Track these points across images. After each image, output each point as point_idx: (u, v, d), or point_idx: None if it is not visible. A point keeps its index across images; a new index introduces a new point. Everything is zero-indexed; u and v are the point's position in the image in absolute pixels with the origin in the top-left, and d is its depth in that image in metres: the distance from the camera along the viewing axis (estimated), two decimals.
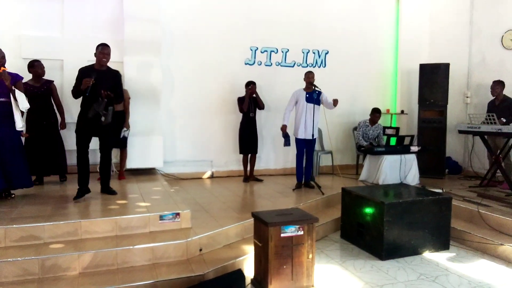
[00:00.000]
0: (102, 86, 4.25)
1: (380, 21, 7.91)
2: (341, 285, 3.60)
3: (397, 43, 8.04)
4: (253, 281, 3.46)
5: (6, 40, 5.56)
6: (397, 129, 7.50)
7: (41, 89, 5.13)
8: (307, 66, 7.30)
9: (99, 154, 4.62)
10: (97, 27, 5.99)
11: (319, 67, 7.43)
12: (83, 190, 4.43)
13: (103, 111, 4.25)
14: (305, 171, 6.02)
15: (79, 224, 3.68)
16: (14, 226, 3.53)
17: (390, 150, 6.39)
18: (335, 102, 5.67)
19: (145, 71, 6.01)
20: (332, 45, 7.50)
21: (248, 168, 6.52)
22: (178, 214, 3.97)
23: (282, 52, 7.20)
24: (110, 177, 4.73)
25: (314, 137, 5.85)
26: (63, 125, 5.34)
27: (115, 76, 4.50)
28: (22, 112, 4.41)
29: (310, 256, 3.32)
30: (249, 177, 6.52)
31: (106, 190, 4.66)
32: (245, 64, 7.00)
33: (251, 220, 3.91)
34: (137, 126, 5.92)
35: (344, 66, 7.59)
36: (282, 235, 3.23)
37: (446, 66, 7.02)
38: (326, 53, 7.50)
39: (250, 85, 6.25)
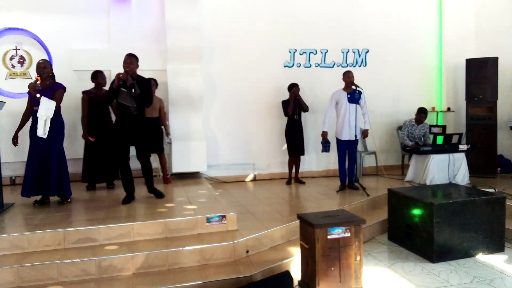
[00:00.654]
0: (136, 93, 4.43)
1: (422, 16, 7.68)
2: None
3: (441, 38, 7.77)
4: (300, 283, 3.47)
5: (59, 54, 5.94)
6: (444, 127, 7.25)
7: (101, 98, 5.41)
8: (347, 66, 7.22)
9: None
10: (141, 37, 6.24)
11: (359, 66, 7.32)
12: (130, 196, 4.65)
13: (130, 85, 4.37)
14: (349, 173, 5.95)
15: (131, 226, 3.84)
16: (72, 229, 3.73)
17: (438, 149, 6.19)
18: (365, 133, 5.81)
19: (187, 78, 6.17)
20: (372, 44, 7.37)
21: (293, 170, 6.52)
22: (224, 216, 4.05)
23: (321, 53, 7.17)
24: (153, 180, 4.83)
25: (357, 138, 5.78)
26: None
27: (143, 83, 4.56)
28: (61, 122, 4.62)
29: (358, 258, 3.29)
30: (293, 179, 6.52)
31: (153, 191, 4.81)
32: (284, 66, 7.02)
33: (296, 222, 3.94)
34: (181, 131, 6.09)
35: (386, 64, 7.43)
36: (329, 237, 3.22)
37: (494, 60, 6.72)
38: (367, 52, 7.38)
39: (293, 88, 6.26)
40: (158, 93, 5.87)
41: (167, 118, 6.09)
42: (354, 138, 5.75)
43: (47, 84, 4.56)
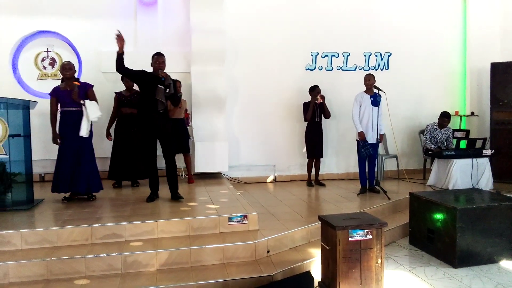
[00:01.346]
0: (170, 93, 4.57)
1: (446, 19, 7.59)
2: None
3: (465, 42, 7.66)
4: (321, 284, 3.50)
5: (87, 56, 6.14)
6: (467, 131, 7.14)
7: (129, 98, 5.56)
8: (369, 69, 7.20)
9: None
10: (166, 40, 6.38)
11: (381, 69, 7.29)
12: (154, 195, 4.76)
13: (165, 85, 4.49)
14: (369, 176, 5.94)
15: (156, 224, 3.94)
16: (99, 225, 3.87)
17: (461, 154, 6.11)
18: (381, 138, 5.82)
19: (210, 80, 6.28)
20: (394, 47, 7.33)
21: (313, 173, 6.55)
22: (246, 216, 4.12)
23: (343, 56, 7.17)
24: (177, 184, 4.87)
25: (378, 141, 5.77)
26: None
27: (173, 83, 4.67)
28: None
29: (379, 261, 3.30)
30: (314, 181, 6.55)
31: (175, 196, 4.81)
32: (306, 69, 7.06)
33: (317, 224, 3.98)
34: (204, 132, 6.20)
35: (408, 67, 7.38)
36: (350, 239, 3.24)
37: None
38: (389, 55, 7.35)
39: (315, 90, 6.30)
40: (183, 95, 6.00)
41: (190, 119, 6.22)
42: (375, 141, 5.74)
43: (73, 85, 4.71)
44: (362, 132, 5.73)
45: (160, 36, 6.37)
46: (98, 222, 3.92)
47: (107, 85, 5.94)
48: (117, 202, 4.81)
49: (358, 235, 3.24)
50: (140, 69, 4.67)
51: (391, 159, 7.11)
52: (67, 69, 4.70)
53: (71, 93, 4.63)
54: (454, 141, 6.87)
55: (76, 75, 4.87)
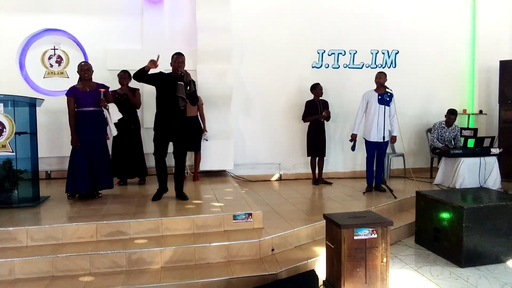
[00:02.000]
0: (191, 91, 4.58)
1: (454, 17, 7.50)
2: None
3: (474, 40, 7.57)
4: (325, 283, 3.48)
5: (94, 53, 6.16)
6: (475, 130, 7.06)
7: (124, 96, 5.56)
8: (376, 67, 7.15)
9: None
10: (173, 38, 6.38)
11: (389, 67, 7.23)
12: (162, 190, 4.74)
13: (186, 83, 4.50)
14: (376, 174, 5.90)
15: (160, 221, 3.95)
16: (104, 222, 3.88)
17: (468, 153, 6.05)
18: (394, 139, 5.82)
19: (217, 78, 6.26)
20: (402, 45, 7.26)
21: (317, 171, 6.52)
22: (250, 214, 4.11)
23: (350, 54, 7.13)
24: (183, 182, 4.88)
25: (386, 140, 5.72)
26: None
27: (193, 82, 4.68)
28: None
29: (385, 260, 3.27)
30: (318, 180, 6.52)
31: (180, 195, 4.79)
32: (313, 67, 7.02)
33: (322, 222, 3.95)
34: (210, 130, 6.18)
35: (416, 65, 7.31)
36: (355, 237, 3.22)
37: None
38: (396, 53, 7.29)
39: (316, 87, 6.29)
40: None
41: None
42: (382, 140, 5.69)
43: (92, 85, 4.75)
44: (355, 134, 5.82)
45: (166, 34, 6.36)
46: (103, 220, 3.93)
47: (113, 82, 5.91)
48: (122, 200, 4.82)
49: (363, 233, 3.22)
50: (158, 72, 4.65)
51: (397, 157, 7.06)
52: (86, 70, 4.73)
53: (90, 94, 4.67)
54: (462, 139, 6.81)
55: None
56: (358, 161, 7.04)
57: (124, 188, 5.55)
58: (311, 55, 7.00)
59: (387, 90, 5.61)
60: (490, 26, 7.39)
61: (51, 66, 6.23)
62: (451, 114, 6.55)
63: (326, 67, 7.05)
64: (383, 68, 7.15)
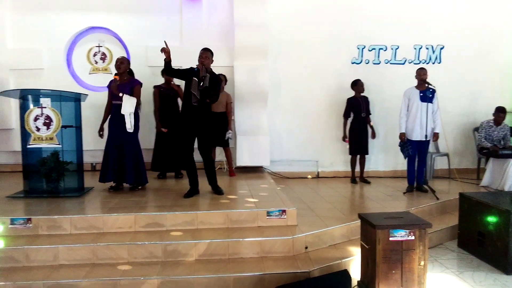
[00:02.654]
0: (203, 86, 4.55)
1: (503, 9, 7.04)
2: None
3: None
4: (359, 283, 3.41)
5: (136, 50, 6.36)
6: None
7: (171, 92, 5.71)
8: (419, 63, 6.87)
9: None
10: (210, 35, 6.46)
11: (433, 63, 6.93)
12: (193, 190, 4.74)
13: (201, 77, 4.50)
14: (418, 174, 5.68)
15: (195, 215, 4.01)
16: (142, 213, 4.00)
17: None
18: (436, 136, 5.55)
19: (253, 74, 6.27)
20: (448, 39, 6.93)
21: (358, 169, 6.38)
22: (284, 211, 4.09)
23: (392, 49, 6.90)
24: (216, 176, 4.89)
25: (428, 139, 5.49)
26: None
27: (213, 79, 4.65)
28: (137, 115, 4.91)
29: (422, 263, 3.15)
30: (358, 178, 6.38)
31: (215, 189, 4.85)
32: (352, 63, 6.86)
33: (358, 222, 3.84)
34: (246, 126, 6.22)
35: (462, 61, 6.95)
36: (390, 238, 3.12)
37: None
38: (441, 48, 6.97)
39: (357, 83, 6.14)
40: (225, 88, 6.03)
41: (233, 113, 6.25)
42: (425, 139, 5.47)
43: (124, 79, 4.90)
44: (403, 133, 5.54)
45: (204, 31, 6.45)
46: (141, 211, 4.06)
47: (153, 78, 6.11)
48: (160, 193, 4.95)
49: (400, 235, 3.11)
50: (189, 67, 4.71)
51: (442, 157, 6.76)
52: (118, 64, 4.88)
53: (119, 87, 4.81)
54: None
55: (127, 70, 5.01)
56: (399, 160, 6.79)
57: (163, 181, 5.69)
58: (350, 51, 6.84)
59: (429, 86, 5.38)
60: None
61: (96, 62, 6.51)
62: (500, 112, 6.19)
63: (366, 63, 6.87)
64: (427, 64, 6.86)
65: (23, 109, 4.70)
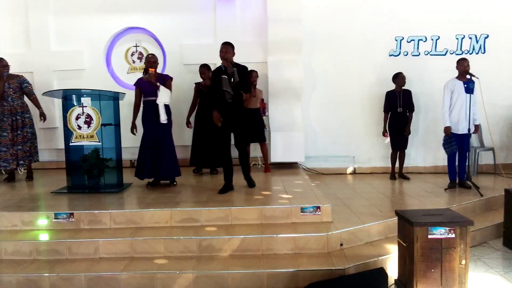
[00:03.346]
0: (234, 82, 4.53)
1: None
2: None
3: None
4: (397, 282, 3.31)
5: (171, 49, 6.49)
6: None
7: (207, 89, 5.78)
8: (462, 53, 6.56)
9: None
10: (244, 31, 6.48)
11: (476, 53, 6.60)
12: (228, 186, 4.77)
13: (230, 73, 4.49)
14: (460, 170, 5.43)
15: (230, 211, 4.04)
16: (178, 209, 4.07)
17: None
18: (477, 128, 5.39)
19: (287, 69, 6.22)
20: (492, 28, 6.56)
21: (397, 165, 6.20)
22: (318, 207, 4.03)
23: (432, 40, 6.62)
24: (249, 169, 4.96)
25: (471, 132, 5.24)
26: None
27: (241, 71, 4.61)
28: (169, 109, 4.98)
29: (464, 262, 3.01)
30: (398, 174, 6.20)
31: (247, 180, 4.90)
32: (390, 55, 6.66)
33: (395, 219, 3.73)
34: (280, 122, 6.18)
35: (508, 50, 6.56)
36: (429, 236, 3.00)
37: None
38: (486, 38, 6.61)
39: (398, 77, 5.95)
40: (259, 85, 6.02)
41: (267, 109, 6.24)
42: (467, 132, 5.23)
43: (156, 75, 4.99)
44: (449, 127, 5.27)
45: (238, 27, 6.48)
46: (177, 206, 4.13)
47: (188, 76, 6.21)
48: (195, 188, 5.03)
49: (439, 232, 2.99)
50: (215, 68, 4.75)
51: (487, 152, 6.44)
52: (152, 62, 4.93)
53: (151, 84, 4.88)
54: None
55: (160, 68, 5.12)
56: (440, 155, 6.52)
57: (199, 177, 5.77)
58: (388, 42, 6.64)
59: (472, 77, 5.12)
60: None
61: (134, 62, 6.70)
62: None
63: (405, 55, 6.65)
64: (470, 54, 6.54)
65: (66, 108, 4.91)
